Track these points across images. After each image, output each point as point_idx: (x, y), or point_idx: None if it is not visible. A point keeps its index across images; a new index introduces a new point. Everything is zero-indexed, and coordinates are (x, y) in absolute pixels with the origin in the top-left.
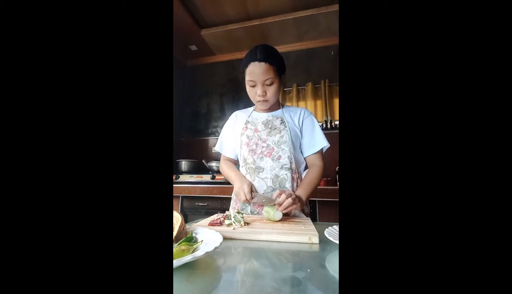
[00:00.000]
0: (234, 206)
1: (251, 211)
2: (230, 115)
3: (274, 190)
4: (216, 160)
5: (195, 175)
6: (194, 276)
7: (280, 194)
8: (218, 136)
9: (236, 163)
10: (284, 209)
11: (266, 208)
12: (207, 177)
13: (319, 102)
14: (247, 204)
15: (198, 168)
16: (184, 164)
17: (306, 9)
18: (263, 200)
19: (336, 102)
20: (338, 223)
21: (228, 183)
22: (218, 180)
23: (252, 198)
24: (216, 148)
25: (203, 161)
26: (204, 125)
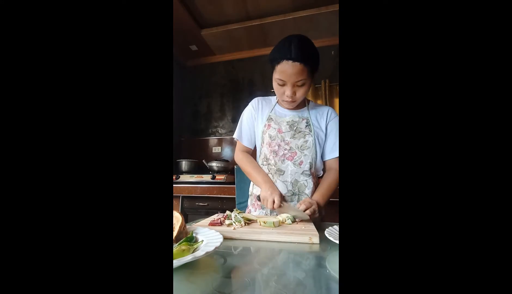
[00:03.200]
0: (253, 203)
1: (270, 212)
2: (230, 115)
3: (293, 194)
4: (216, 160)
5: (196, 175)
6: (195, 276)
7: (301, 204)
8: (218, 136)
9: (252, 153)
10: (307, 208)
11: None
12: (207, 177)
13: (319, 102)
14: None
15: (199, 168)
16: (184, 164)
17: (306, 9)
18: (290, 212)
19: (337, 102)
20: (338, 223)
21: (229, 183)
22: (218, 180)
23: (280, 206)
24: (235, 136)
25: (204, 161)
26: (205, 125)
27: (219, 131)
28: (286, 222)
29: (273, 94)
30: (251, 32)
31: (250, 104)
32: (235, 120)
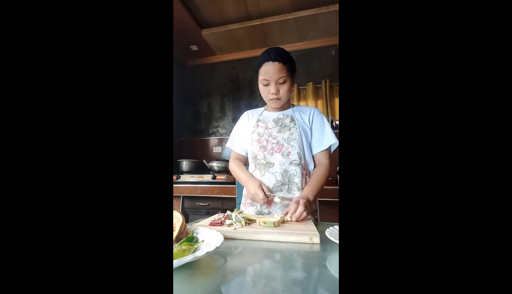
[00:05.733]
0: (244, 202)
1: (260, 206)
2: (231, 115)
3: (283, 184)
4: (217, 160)
5: (196, 175)
6: (195, 276)
7: (295, 203)
8: (219, 136)
9: (245, 160)
10: (297, 219)
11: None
12: (208, 177)
13: (320, 102)
14: (258, 204)
15: (199, 168)
16: (185, 164)
17: (306, 9)
18: (279, 198)
19: (337, 102)
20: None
21: (229, 183)
22: (219, 180)
23: (268, 197)
24: (228, 145)
25: (204, 161)
26: (205, 125)
27: (220, 131)
28: (275, 201)
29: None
30: (252, 32)
31: (241, 117)
32: (235, 120)
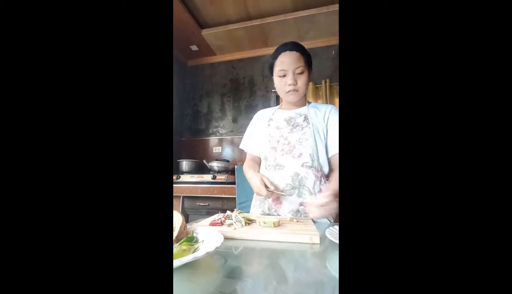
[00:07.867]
0: (255, 204)
1: (268, 209)
2: (231, 115)
3: (293, 188)
4: (217, 160)
5: (196, 175)
6: (195, 276)
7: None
8: (219, 136)
9: (260, 161)
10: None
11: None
12: (208, 177)
13: (320, 102)
14: (265, 202)
15: (199, 168)
16: (185, 164)
17: (306, 9)
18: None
19: (337, 102)
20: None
21: (229, 183)
22: (219, 180)
23: (270, 190)
24: (241, 146)
25: (204, 161)
26: (205, 125)
27: (220, 131)
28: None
29: (272, 94)
30: (252, 32)
31: (253, 117)
32: (235, 120)
